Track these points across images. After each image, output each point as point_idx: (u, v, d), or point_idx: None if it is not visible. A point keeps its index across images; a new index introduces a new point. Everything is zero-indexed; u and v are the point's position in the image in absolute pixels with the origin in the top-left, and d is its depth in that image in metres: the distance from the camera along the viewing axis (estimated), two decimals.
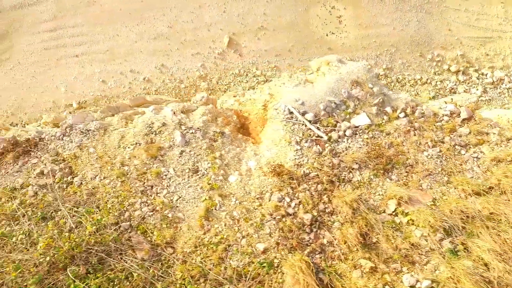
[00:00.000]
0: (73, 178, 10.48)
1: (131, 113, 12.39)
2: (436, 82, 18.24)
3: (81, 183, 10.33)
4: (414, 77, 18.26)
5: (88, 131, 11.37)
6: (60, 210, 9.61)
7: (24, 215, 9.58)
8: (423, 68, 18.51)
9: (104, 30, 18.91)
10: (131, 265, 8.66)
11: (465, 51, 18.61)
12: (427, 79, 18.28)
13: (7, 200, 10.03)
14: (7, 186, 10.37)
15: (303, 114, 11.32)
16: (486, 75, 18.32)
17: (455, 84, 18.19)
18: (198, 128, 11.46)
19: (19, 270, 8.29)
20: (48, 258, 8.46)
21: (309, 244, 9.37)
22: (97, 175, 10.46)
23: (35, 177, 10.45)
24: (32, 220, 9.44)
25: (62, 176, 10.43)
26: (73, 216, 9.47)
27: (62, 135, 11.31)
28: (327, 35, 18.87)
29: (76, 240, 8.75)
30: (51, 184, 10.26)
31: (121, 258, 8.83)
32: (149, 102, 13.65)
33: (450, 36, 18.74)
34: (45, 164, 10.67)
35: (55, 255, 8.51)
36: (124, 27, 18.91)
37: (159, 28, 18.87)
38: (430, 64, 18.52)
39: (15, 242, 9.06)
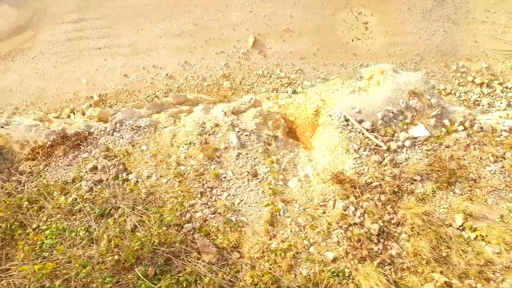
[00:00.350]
0: (127, 175, 10.29)
1: (177, 111, 12.26)
2: (460, 93, 18.31)
3: (137, 181, 10.14)
4: (438, 87, 18.31)
5: (138, 127, 11.19)
6: (119, 207, 9.42)
7: (80, 210, 9.41)
8: (447, 79, 18.59)
9: (128, 24, 18.73)
10: (201, 268, 8.51)
11: (490, 64, 18.72)
12: (451, 90, 18.35)
13: (59, 194, 9.84)
14: (58, 179, 10.16)
15: (360, 122, 11.24)
16: (510, 88, 18.43)
17: (479, 96, 18.29)
18: (252, 130, 11.33)
19: (88, 268, 8.12)
20: (116, 257, 8.30)
21: (378, 255, 9.29)
22: (153, 174, 10.28)
23: (87, 172, 10.24)
24: (90, 216, 9.23)
25: (117, 172, 10.24)
26: (133, 214, 9.29)
27: (112, 131, 11.12)
28: (352, 40, 18.88)
29: (142, 239, 8.59)
30: (107, 179, 10.07)
31: (188, 261, 8.69)
32: (191, 100, 13.57)
33: (476, 48, 18.85)
34: (97, 159, 10.45)
35: (122, 254, 8.35)
36: (148, 22, 18.74)
37: (184, 24, 18.73)
38: (454, 75, 18.60)
39: (74, 238, 8.86)
